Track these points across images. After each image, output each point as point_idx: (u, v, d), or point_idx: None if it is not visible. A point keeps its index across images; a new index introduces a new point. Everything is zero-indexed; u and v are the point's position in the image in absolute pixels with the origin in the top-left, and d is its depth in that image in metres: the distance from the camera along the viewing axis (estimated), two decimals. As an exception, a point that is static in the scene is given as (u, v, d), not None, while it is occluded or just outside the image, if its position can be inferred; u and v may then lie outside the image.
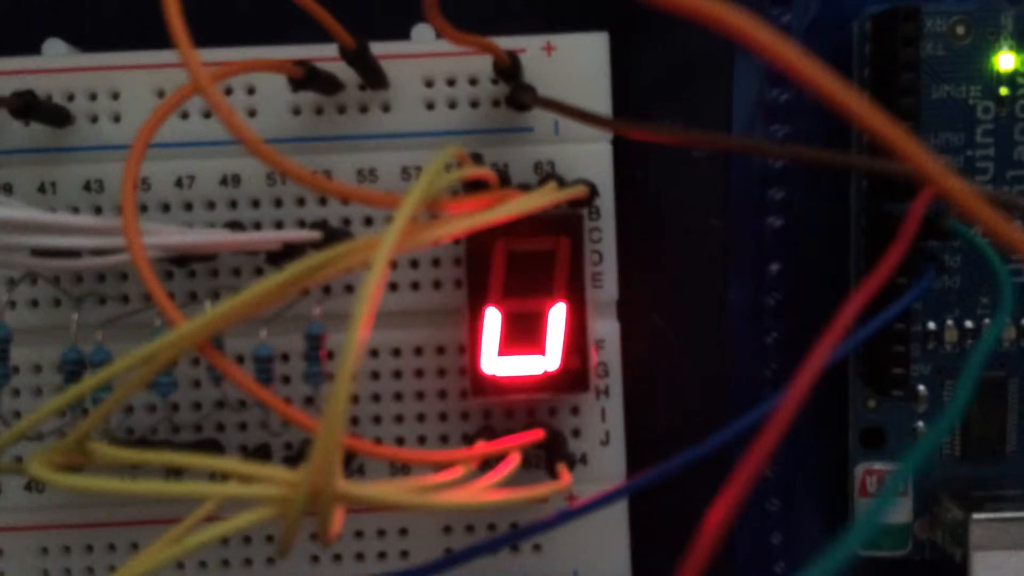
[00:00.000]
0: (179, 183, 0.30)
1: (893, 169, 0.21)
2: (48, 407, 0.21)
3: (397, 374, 0.31)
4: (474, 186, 0.27)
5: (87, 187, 0.30)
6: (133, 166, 0.21)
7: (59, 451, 0.23)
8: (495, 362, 0.28)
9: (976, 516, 0.30)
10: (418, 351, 0.31)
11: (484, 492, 0.22)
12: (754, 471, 0.16)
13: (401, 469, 0.30)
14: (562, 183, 0.29)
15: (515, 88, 0.28)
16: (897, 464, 0.16)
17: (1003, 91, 0.30)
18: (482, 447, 0.26)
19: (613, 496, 0.23)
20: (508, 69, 0.28)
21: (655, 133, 0.24)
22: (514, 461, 0.25)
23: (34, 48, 0.30)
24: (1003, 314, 0.20)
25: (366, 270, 0.19)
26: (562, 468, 0.28)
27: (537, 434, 0.28)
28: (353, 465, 0.30)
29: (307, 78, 0.27)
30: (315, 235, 0.27)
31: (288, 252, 0.28)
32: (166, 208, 0.30)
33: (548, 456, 0.29)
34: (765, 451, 0.17)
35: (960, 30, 0.30)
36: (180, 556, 0.19)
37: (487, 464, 0.27)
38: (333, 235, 0.28)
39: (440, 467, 0.24)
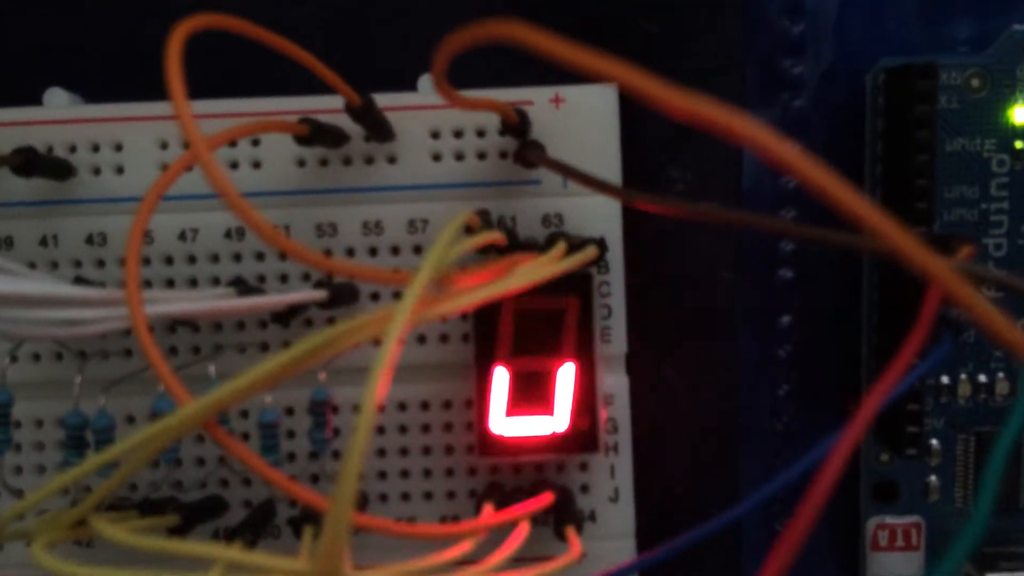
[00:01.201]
0: (182, 236, 0.29)
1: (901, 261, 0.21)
2: (49, 488, 0.21)
3: (403, 429, 0.30)
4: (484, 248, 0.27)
5: (89, 240, 0.29)
6: (135, 241, 0.21)
7: (62, 526, 0.23)
8: (503, 422, 0.28)
9: (990, 576, 0.30)
10: (424, 405, 0.30)
11: (493, 571, 0.22)
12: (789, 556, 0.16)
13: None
14: (570, 240, 0.28)
15: (523, 146, 0.28)
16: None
17: (1018, 144, 0.30)
18: (488, 516, 0.26)
19: (623, 573, 0.23)
20: (516, 126, 0.28)
21: (663, 205, 0.23)
22: (523, 532, 0.25)
23: (35, 98, 0.30)
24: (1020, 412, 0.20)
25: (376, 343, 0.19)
26: (571, 534, 0.27)
27: (546, 499, 0.28)
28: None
29: (312, 136, 0.27)
30: (320, 295, 0.27)
31: (293, 310, 0.28)
32: (169, 261, 0.29)
33: (556, 518, 0.28)
34: (790, 553, 0.16)
35: (976, 83, 0.30)
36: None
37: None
38: (339, 293, 0.28)
39: (450, 541, 0.24)
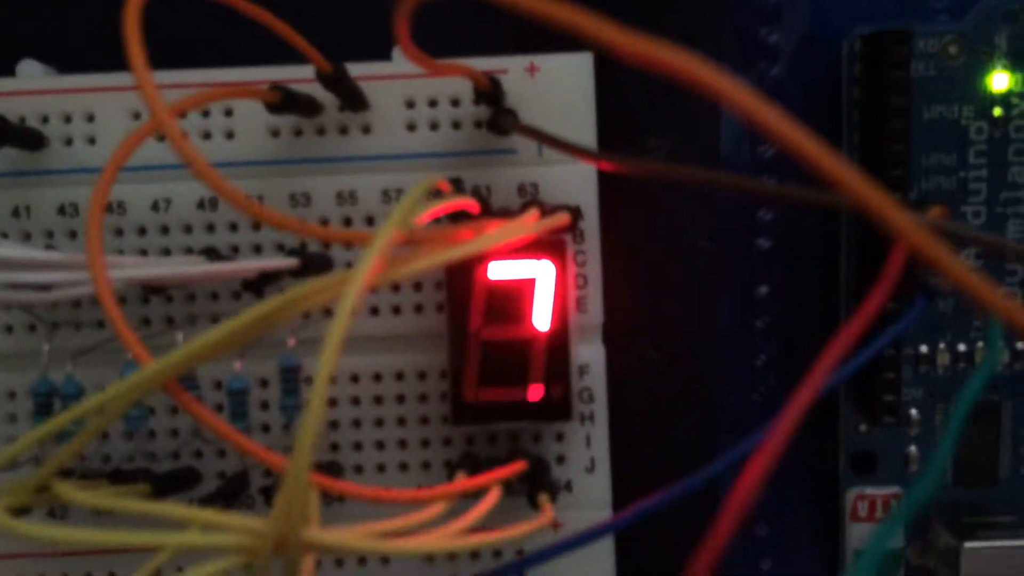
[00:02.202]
0: (155, 206, 0.29)
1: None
2: (14, 448, 0.21)
3: (378, 400, 0.30)
4: (456, 215, 0.27)
5: (62, 211, 0.29)
6: (98, 203, 0.21)
7: (25, 490, 0.22)
8: (477, 390, 0.28)
9: (968, 545, 0.30)
10: (399, 376, 0.30)
11: (460, 536, 0.22)
12: (738, 512, 0.16)
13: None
14: (545, 207, 0.28)
15: (496, 113, 0.28)
16: (885, 520, 0.16)
17: (997, 111, 0.30)
18: (463, 483, 0.26)
19: (600, 531, 0.23)
20: (489, 93, 0.27)
21: (639, 167, 0.23)
22: (493, 497, 0.25)
23: (8, 70, 0.29)
24: (990, 360, 0.20)
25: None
26: (544, 500, 0.27)
27: (519, 466, 0.27)
28: (332, 494, 0.29)
29: (283, 102, 0.27)
30: (292, 263, 0.27)
31: (266, 278, 0.27)
32: (142, 232, 0.29)
33: (530, 486, 0.28)
34: (747, 493, 0.16)
35: (953, 50, 0.29)
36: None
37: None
38: (311, 261, 0.28)
39: (420, 505, 0.24)
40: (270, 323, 0.20)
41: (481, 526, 0.23)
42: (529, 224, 0.25)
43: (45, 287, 0.24)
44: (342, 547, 0.19)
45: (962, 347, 0.31)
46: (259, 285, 0.28)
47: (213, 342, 0.20)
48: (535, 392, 0.28)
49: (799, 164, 0.29)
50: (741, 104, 0.15)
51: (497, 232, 0.24)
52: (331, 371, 0.18)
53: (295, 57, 0.27)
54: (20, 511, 0.28)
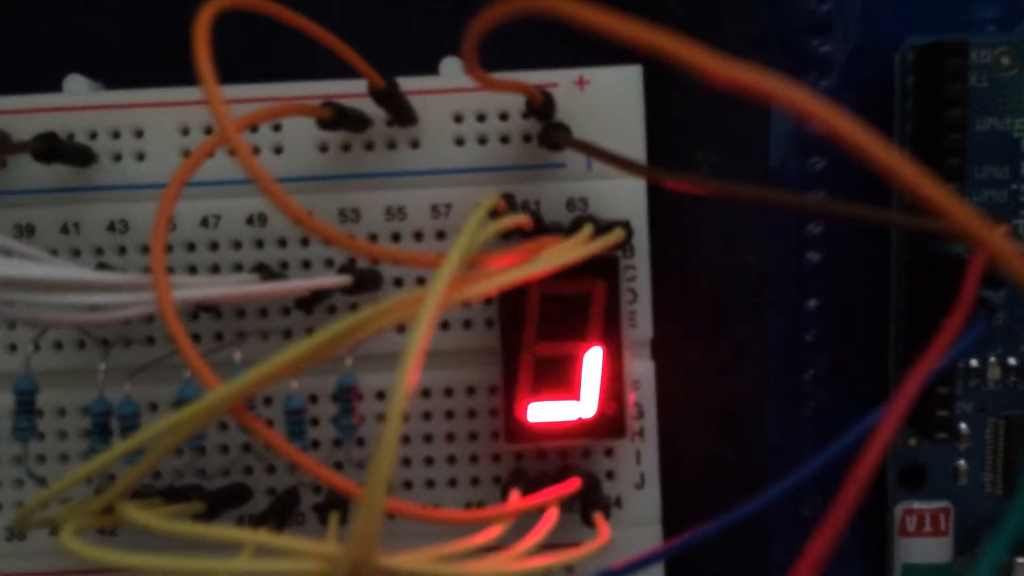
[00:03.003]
0: (205, 222, 0.29)
1: (934, 227, 0.21)
2: (74, 476, 0.21)
3: (427, 415, 0.30)
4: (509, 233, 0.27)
5: (111, 227, 0.29)
6: (161, 227, 0.21)
7: (89, 513, 0.22)
8: (529, 408, 0.28)
9: (1020, 560, 0.29)
10: (448, 392, 0.30)
11: (525, 558, 0.22)
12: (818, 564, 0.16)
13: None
14: (596, 223, 0.28)
15: (548, 128, 0.28)
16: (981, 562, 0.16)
17: (1050, 123, 0.30)
18: (516, 501, 0.26)
19: (650, 560, 0.23)
20: (541, 108, 0.27)
21: (689, 183, 0.23)
22: (552, 517, 0.25)
23: (55, 85, 0.29)
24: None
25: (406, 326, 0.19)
26: (599, 519, 0.27)
27: (573, 484, 0.27)
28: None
29: (335, 119, 0.27)
30: (345, 280, 0.27)
31: (317, 296, 0.27)
32: (191, 248, 0.29)
33: (583, 503, 0.28)
34: (828, 544, 0.16)
35: (1005, 61, 0.29)
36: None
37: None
38: (363, 278, 0.28)
39: (478, 526, 0.24)
40: (339, 344, 0.20)
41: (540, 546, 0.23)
42: (586, 242, 0.25)
43: (100, 308, 0.24)
44: (415, 572, 0.19)
45: (1012, 361, 0.31)
46: (310, 302, 0.28)
47: (283, 364, 0.20)
48: (588, 409, 0.27)
49: (849, 176, 0.29)
50: (805, 108, 0.15)
51: (557, 252, 0.24)
52: (407, 399, 0.18)
53: (343, 71, 0.27)
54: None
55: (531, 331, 0.27)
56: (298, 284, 0.25)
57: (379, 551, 0.19)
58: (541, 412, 0.27)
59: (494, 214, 0.26)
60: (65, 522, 0.21)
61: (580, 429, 0.28)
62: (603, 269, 0.27)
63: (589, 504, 0.28)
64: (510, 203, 0.28)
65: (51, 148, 0.27)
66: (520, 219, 0.25)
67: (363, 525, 0.18)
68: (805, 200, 0.26)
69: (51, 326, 0.27)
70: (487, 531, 0.23)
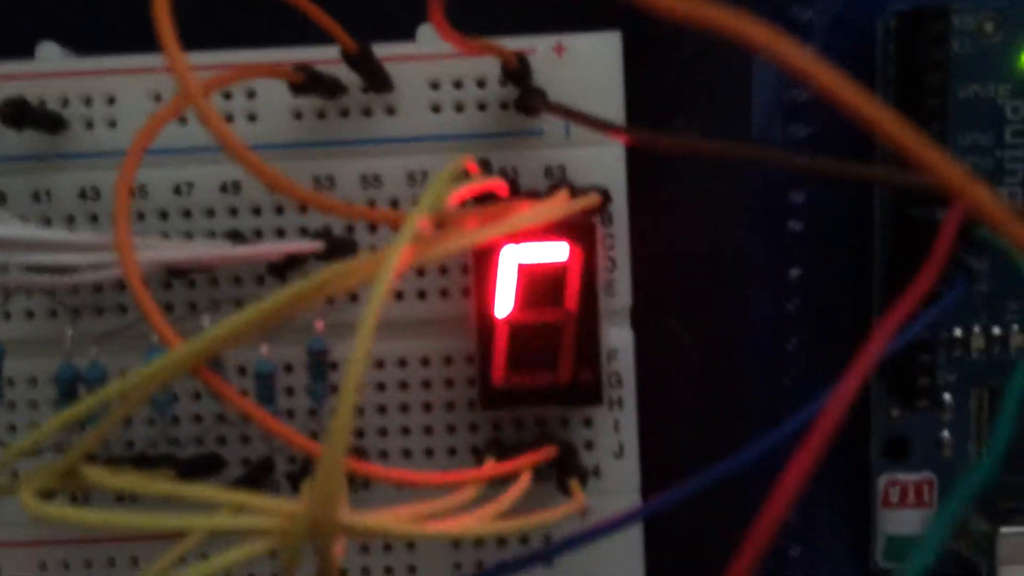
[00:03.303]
0: (177, 190, 0.29)
1: (918, 182, 0.20)
2: (40, 432, 0.21)
3: (403, 385, 0.30)
4: (484, 197, 0.26)
5: (83, 195, 0.29)
6: (125, 182, 0.20)
7: (53, 474, 0.22)
8: (505, 374, 0.27)
9: (1004, 530, 0.29)
10: (425, 361, 0.30)
11: (494, 520, 0.21)
12: (779, 514, 0.16)
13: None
14: (573, 189, 0.28)
15: (524, 92, 0.27)
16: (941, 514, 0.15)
17: (1033, 89, 0.29)
18: (491, 468, 0.25)
19: (630, 518, 0.22)
20: (517, 72, 0.27)
21: (667, 142, 0.22)
22: (524, 483, 0.24)
23: (27, 52, 0.29)
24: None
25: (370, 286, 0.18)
26: (575, 486, 0.27)
27: (548, 452, 0.27)
28: (358, 481, 0.29)
29: (308, 83, 0.26)
30: (317, 245, 0.26)
31: (290, 261, 0.27)
32: (164, 216, 0.29)
33: (560, 471, 0.28)
34: (790, 493, 0.16)
35: (989, 27, 0.29)
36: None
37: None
38: (336, 244, 0.27)
39: (448, 490, 0.23)
40: (301, 304, 0.20)
41: (511, 511, 0.23)
42: (559, 205, 0.25)
43: (68, 270, 0.24)
44: (377, 530, 0.19)
45: (997, 331, 0.30)
46: (283, 269, 0.27)
47: (243, 324, 0.19)
48: (564, 376, 0.27)
49: (832, 142, 0.29)
50: (776, 50, 0.15)
51: (528, 213, 0.23)
52: (367, 350, 0.17)
53: (315, 38, 0.27)
54: (44, 497, 0.28)
55: (506, 297, 0.27)
56: (269, 247, 0.25)
57: (340, 508, 0.19)
58: (516, 378, 0.27)
59: (466, 177, 0.25)
60: (26, 482, 0.21)
61: (556, 395, 0.27)
62: (580, 235, 0.27)
63: (565, 472, 0.28)
64: (486, 169, 0.28)
65: (21, 113, 0.27)
66: (493, 182, 0.25)
67: (323, 482, 0.18)
68: (783, 156, 0.25)
69: (20, 288, 0.27)
70: (457, 494, 0.22)
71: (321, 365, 0.26)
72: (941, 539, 0.16)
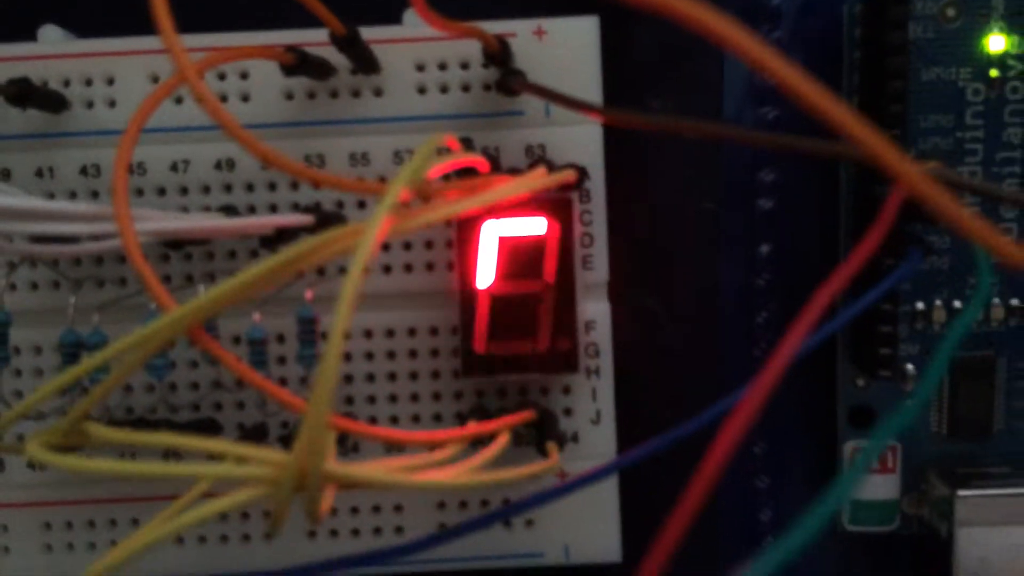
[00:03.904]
0: (174, 167, 0.30)
1: (853, 154, 0.22)
2: (45, 389, 0.22)
3: (391, 355, 0.31)
4: (466, 172, 0.28)
5: (84, 172, 0.30)
6: (124, 156, 0.22)
7: (57, 432, 0.23)
8: (486, 343, 0.29)
9: (961, 493, 0.31)
10: (412, 332, 0.31)
11: (472, 472, 0.23)
12: (734, 441, 0.17)
13: (395, 449, 0.30)
14: (552, 167, 0.29)
15: (504, 74, 0.29)
16: (872, 440, 0.17)
17: (993, 73, 0.31)
18: (472, 427, 0.27)
19: (603, 472, 0.24)
20: (497, 54, 0.28)
21: (642, 120, 0.24)
22: (502, 442, 0.26)
23: (30, 34, 0.30)
24: (980, 296, 0.21)
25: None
26: (552, 447, 0.28)
27: (527, 415, 0.28)
28: (347, 444, 0.30)
29: (298, 64, 0.28)
30: (307, 219, 0.28)
31: (281, 236, 0.28)
32: (162, 192, 0.30)
33: (538, 435, 0.29)
34: (743, 423, 0.17)
35: (950, 12, 0.30)
36: (173, 533, 0.19)
37: (480, 443, 0.27)
38: (326, 219, 0.29)
39: (432, 447, 0.25)
40: (290, 269, 0.21)
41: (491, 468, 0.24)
42: (537, 179, 0.26)
43: (71, 239, 0.25)
44: (362, 479, 0.20)
45: (957, 304, 0.32)
46: (275, 243, 0.29)
47: (236, 287, 0.21)
48: (542, 344, 0.29)
49: (801, 124, 0.30)
50: (746, 51, 0.16)
51: (506, 186, 0.25)
52: (352, 303, 0.19)
53: (306, 22, 0.28)
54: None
55: (487, 269, 0.28)
56: (260, 220, 0.26)
57: (328, 459, 0.20)
58: (496, 347, 0.29)
59: (447, 152, 0.27)
60: (32, 438, 0.22)
61: (534, 363, 0.29)
62: (557, 210, 0.29)
63: (544, 437, 0.29)
64: (467, 147, 0.29)
65: (24, 92, 0.28)
66: (473, 157, 0.26)
67: (309, 432, 0.19)
68: (749, 134, 0.27)
69: (24, 258, 0.28)
70: (439, 451, 0.24)
71: (310, 333, 0.27)
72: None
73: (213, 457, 0.23)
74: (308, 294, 0.28)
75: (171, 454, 0.30)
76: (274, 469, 0.20)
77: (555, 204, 0.28)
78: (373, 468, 0.21)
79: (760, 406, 0.18)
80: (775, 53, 0.17)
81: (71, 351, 0.27)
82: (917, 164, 0.19)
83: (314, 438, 0.19)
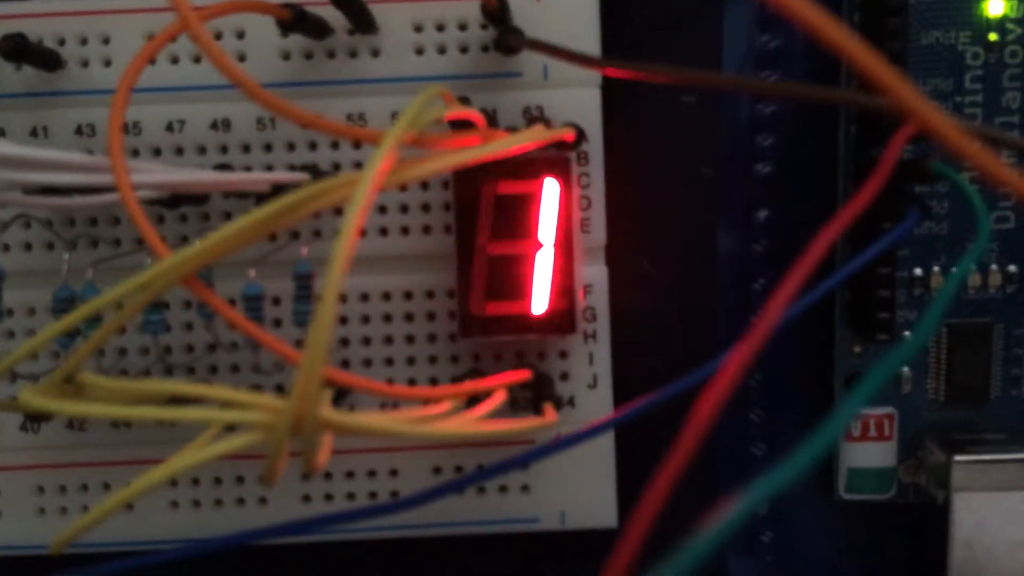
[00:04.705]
0: (170, 127, 0.30)
1: (878, 104, 0.21)
2: (38, 339, 0.22)
3: (387, 318, 0.31)
4: (462, 127, 0.27)
5: (79, 131, 0.30)
6: (120, 103, 0.22)
7: (52, 384, 0.23)
8: (484, 304, 0.29)
9: (958, 458, 0.30)
10: (408, 295, 0.31)
11: (469, 423, 0.23)
12: (718, 400, 0.17)
13: (392, 406, 0.30)
14: (550, 127, 0.29)
15: (503, 32, 0.28)
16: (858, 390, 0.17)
17: (992, 37, 0.30)
18: (469, 384, 0.27)
19: (597, 429, 0.24)
20: (495, 12, 0.28)
21: (642, 71, 0.24)
22: (499, 398, 0.26)
23: (25, -8, 0.30)
24: (978, 248, 0.21)
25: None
26: (548, 407, 0.28)
27: (523, 374, 0.28)
28: (345, 402, 0.30)
29: (295, 21, 0.27)
30: (303, 176, 0.27)
31: (277, 193, 0.28)
32: (157, 152, 0.30)
33: (535, 397, 0.29)
34: (727, 383, 0.17)
35: (950, -25, 0.30)
36: (168, 477, 0.19)
37: (476, 403, 0.27)
38: (321, 177, 0.28)
39: (428, 403, 0.25)
40: (287, 218, 0.21)
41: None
42: (535, 133, 0.26)
43: (66, 191, 0.25)
44: (358, 426, 0.20)
45: (955, 270, 0.32)
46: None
47: (231, 234, 0.21)
48: (540, 305, 0.28)
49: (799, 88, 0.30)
50: None
51: (504, 139, 0.25)
52: (352, 241, 0.18)
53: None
54: (41, 419, 0.29)
55: (485, 230, 0.28)
56: (256, 176, 0.26)
57: (324, 405, 0.20)
58: (495, 308, 0.28)
59: (443, 105, 0.26)
60: (27, 389, 0.22)
61: (532, 324, 0.29)
62: (555, 168, 0.28)
63: (540, 397, 0.29)
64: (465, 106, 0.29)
65: (19, 48, 0.28)
66: (468, 111, 0.26)
67: (305, 377, 0.19)
68: (750, 82, 0.26)
69: (18, 209, 0.28)
70: (435, 405, 0.24)
71: (306, 288, 0.27)
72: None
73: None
74: (303, 250, 0.28)
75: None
76: (270, 414, 0.20)
77: (553, 162, 0.28)
78: (370, 417, 0.21)
79: (749, 360, 0.17)
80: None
81: (64, 307, 0.26)
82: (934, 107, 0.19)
83: (310, 383, 0.19)
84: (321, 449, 0.21)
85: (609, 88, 0.30)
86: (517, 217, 0.29)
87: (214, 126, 0.30)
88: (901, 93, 0.18)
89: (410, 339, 0.31)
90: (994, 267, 0.32)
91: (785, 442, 0.33)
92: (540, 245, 0.28)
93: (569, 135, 0.28)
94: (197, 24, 0.22)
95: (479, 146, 0.23)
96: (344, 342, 0.31)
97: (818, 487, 0.34)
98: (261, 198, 0.28)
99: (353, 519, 0.23)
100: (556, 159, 0.28)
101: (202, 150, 0.30)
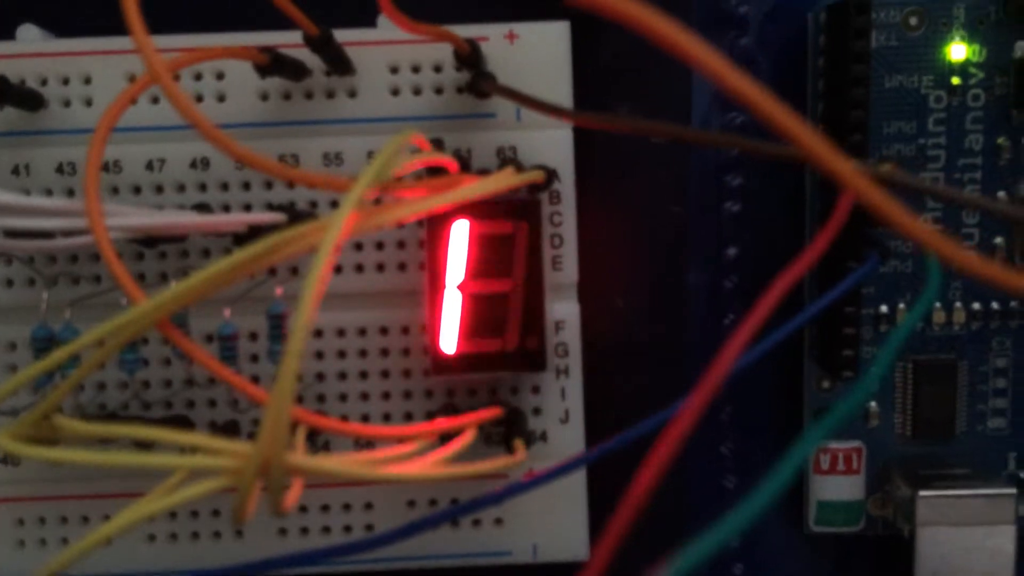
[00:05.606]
0: (150, 166, 0.31)
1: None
2: (15, 380, 0.22)
3: (363, 353, 0.31)
4: (435, 173, 0.28)
5: (60, 170, 0.30)
6: (96, 152, 0.22)
7: (27, 425, 0.24)
8: (455, 342, 0.29)
9: (923, 493, 0.31)
10: (383, 331, 0.31)
11: (436, 465, 0.23)
12: (677, 439, 0.17)
13: (366, 445, 0.31)
14: (521, 168, 0.30)
15: (476, 76, 0.29)
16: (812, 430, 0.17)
17: (955, 81, 0.31)
18: (439, 422, 0.27)
19: (569, 466, 0.24)
20: (468, 57, 0.29)
21: (611, 123, 0.24)
22: (468, 437, 0.26)
23: (8, 33, 0.31)
24: (930, 291, 0.21)
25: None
26: (518, 444, 0.29)
27: (494, 412, 0.29)
28: (318, 442, 0.31)
29: (271, 64, 0.28)
30: (279, 217, 0.28)
31: (255, 234, 0.29)
32: (137, 190, 0.31)
33: (507, 432, 0.30)
34: (684, 425, 0.17)
35: (913, 21, 0.31)
36: (134, 523, 0.19)
37: (449, 441, 0.28)
38: (298, 218, 0.29)
39: (400, 442, 0.25)
40: (259, 264, 0.22)
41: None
42: (505, 178, 0.27)
43: (46, 235, 0.25)
44: (324, 470, 0.21)
45: (907, 316, 0.32)
46: (249, 241, 0.29)
47: (205, 280, 0.21)
48: (511, 343, 0.29)
49: (764, 129, 0.31)
50: (703, 62, 0.16)
51: (474, 185, 0.25)
52: (318, 291, 0.19)
53: (281, 25, 0.28)
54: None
55: (457, 269, 0.29)
56: (232, 217, 0.27)
57: (291, 450, 0.20)
58: (466, 346, 0.29)
59: (417, 152, 0.27)
60: (2, 431, 0.22)
61: (503, 361, 0.29)
62: (526, 212, 0.29)
63: (511, 433, 0.29)
64: (438, 147, 0.29)
65: (1, 90, 0.29)
66: (442, 157, 0.27)
67: (271, 424, 0.19)
68: (714, 135, 0.27)
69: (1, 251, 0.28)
70: (402, 445, 0.24)
71: (280, 328, 0.28)
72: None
73: (184, 451, 0.23)
74: (278, 290, 0.28)
75: (144, 449, 0.30)
76: (238, 459, 0.20)
77: (524, 205, 0.29)
78: (337, 460, 0.22)
79: (706, 402, 0.18)
80: (724, 60, 0.17)
81: (43, 346, 0.27)
82: (863, 168, 0.20)
83: (277, 428, 0.19)
84: (289, 491, 0.21)
85: (581, 129, 0.31)
86: (489, 257, 0.29)
87: (193, 164, 0.31)
88: (833, 165, 0.18)
89: (385, 374, 0.31)
90: (958, 304, 0.32)
91: (756, 475, 0.34)
92: (511, 284, 0.29)
93: (539, 178, 0.29)
94: (166, 76, 0.22)
95: (449, 193, 0.24)
96: (320, 376, 0.31)
97: (788, 520, 0.34)
98: (239, 236, 0.29)
99: (326, 557, 0.24)
100: (527, 203, 0.29)
101: (181, 188, 0.31)
